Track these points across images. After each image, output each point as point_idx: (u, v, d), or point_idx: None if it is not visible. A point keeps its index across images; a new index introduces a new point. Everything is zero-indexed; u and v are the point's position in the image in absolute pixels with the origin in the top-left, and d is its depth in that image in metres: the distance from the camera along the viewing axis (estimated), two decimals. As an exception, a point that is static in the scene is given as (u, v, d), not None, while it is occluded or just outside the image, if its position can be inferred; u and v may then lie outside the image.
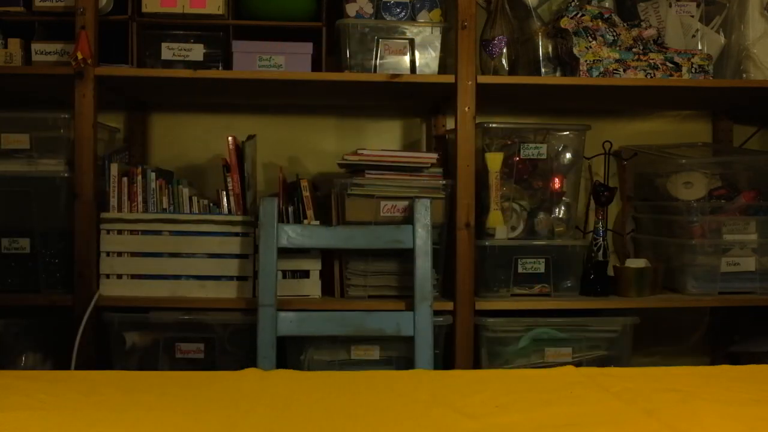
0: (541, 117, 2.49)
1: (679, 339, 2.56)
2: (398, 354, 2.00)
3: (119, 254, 2.03)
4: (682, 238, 2.20)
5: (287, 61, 2.07)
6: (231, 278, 2.04)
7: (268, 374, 1.23)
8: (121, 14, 2.07)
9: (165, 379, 1.19)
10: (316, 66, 2.11)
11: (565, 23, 2.10)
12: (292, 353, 2.00)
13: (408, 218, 2.02)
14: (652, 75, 2.10)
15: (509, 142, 2.13)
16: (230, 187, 2.05)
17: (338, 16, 2.12)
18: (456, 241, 2.04)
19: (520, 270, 2.09)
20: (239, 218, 2.05)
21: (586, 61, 2.08)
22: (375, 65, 2.10)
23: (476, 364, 2.03)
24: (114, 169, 2.03)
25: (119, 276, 2.03)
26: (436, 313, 1.98)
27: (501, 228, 2.10)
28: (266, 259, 1.93)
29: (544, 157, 2.13)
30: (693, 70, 2.11)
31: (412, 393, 1.06)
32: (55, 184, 2.02)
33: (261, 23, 2.12)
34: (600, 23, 2.12)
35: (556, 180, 2.15)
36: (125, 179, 2.03)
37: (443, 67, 2.15)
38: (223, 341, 2.01)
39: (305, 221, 2.03)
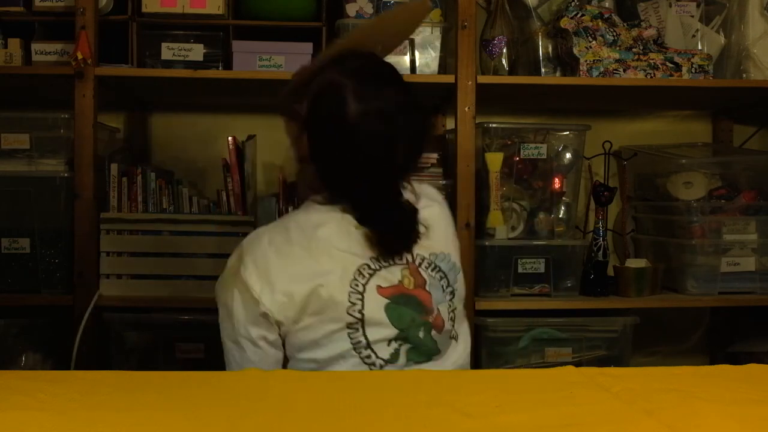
0: (541, 117, 2.49)
1: (679, 339, 2.56)
2: (398, 354, 2.00)
3: (119, 254, 2.03)
4: (682, 238, 2.20)
5: (287, 61, 2.07)
6: (231, 278, 2.04)
7: (268, 374, 1.23)
8: (121, 14, 2.07)
9: (165, 379, 1.19)
10: (316, 66, 2.10)
11: (565, 23, 2.10)
12: (292, 353, 2.00)
13: (408, 218, 2.01)
14: (652, 75, 2.10)
15: (509, 142, 2.13)
16: (230, 187, 2.05)
17: (338, 16, 2.12)
18: (456, 241, 2.04)
19: (520, 270, 2.09)
20: (239, 218, 2.05)
21: (586, 61, 2.08)
22: (375, 65, 2.09)
23: (476, 364, 2.03)
24: (114, 169, 2.03)
25: (119, 276, 2.03)
26: (436, 313, 1.98)
27: (501, 228, 2.10)
28: (266, 259, 1.92)
29: (544, 157, 2.13)
30: (693, 70, 2.11)
31: (412, 393, 1.06)
32: (55, 184, 2.02)
33: (261, 23, 2.12)
34: (600, 23, 2.12)
35: (556, 180, 2.15)
36: (125, 179, 2.03)
37: (443, 67, 2.14)
38: (223, 341, 2.01)
39: (305, 221, 2.02)
